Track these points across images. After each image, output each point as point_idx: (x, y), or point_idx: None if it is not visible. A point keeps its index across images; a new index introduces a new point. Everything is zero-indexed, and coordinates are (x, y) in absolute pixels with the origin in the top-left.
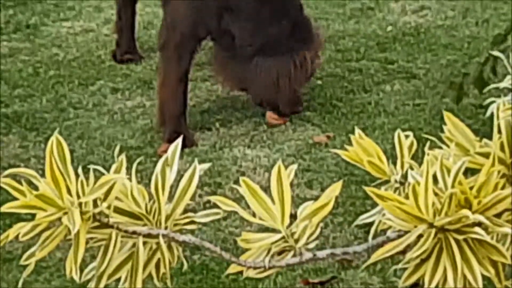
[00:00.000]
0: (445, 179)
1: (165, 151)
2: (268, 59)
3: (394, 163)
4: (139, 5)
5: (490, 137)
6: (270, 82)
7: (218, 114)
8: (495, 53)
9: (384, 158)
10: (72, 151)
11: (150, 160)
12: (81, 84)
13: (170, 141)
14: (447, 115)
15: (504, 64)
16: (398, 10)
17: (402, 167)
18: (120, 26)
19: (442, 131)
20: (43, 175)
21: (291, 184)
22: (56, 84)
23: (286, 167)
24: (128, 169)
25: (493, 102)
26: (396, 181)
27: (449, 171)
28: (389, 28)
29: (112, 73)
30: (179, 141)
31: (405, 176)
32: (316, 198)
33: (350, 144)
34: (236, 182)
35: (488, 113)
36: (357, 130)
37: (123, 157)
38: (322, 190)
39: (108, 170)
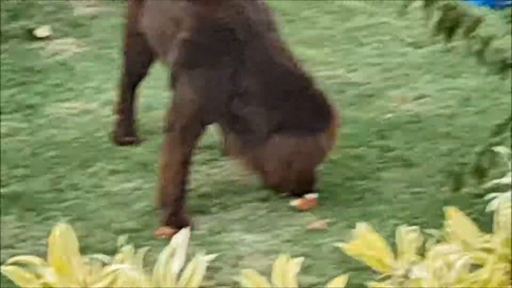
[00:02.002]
0: (449, 276)
1: (163, 234)
2: (285, 138)
3: (394, 252)
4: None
5: (488, 228)
6: (288, 161)
7: (216, 198)
8: (498, 148)
9: (388, 252)
10: None
11: (147, 243)
12: (80, 166)
13: (168, 223)
14: (449, 210)
15: (503, 154)
16: (398, 98)
17: (405, 261)
18: (120, 108)
19: (441, 220)
20: (39, 255)
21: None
22: (55, 165)
23: (283, 252)
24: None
25: (494, 198)
26: (399, 276)
27: (453, 267)
28: (388, 115)
29: (111, 155)
30: (186, 231)
31: (408, 271)
32: (313, 285)
33: (348, 231)
34: (234, 266)
35: (489, 208)
36: (361, 225)
37: (128, 246)
38: (319, 276)
39: (106, 253)
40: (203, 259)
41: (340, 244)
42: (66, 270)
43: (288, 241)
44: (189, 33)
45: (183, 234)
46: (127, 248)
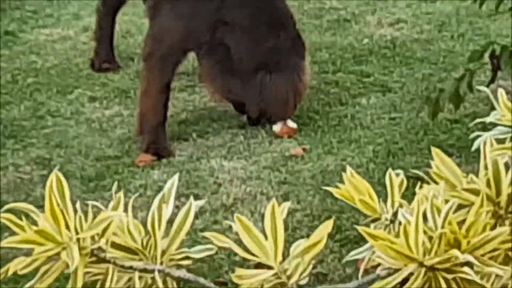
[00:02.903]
0: (435, 219)
1: (143, 161)
2: (273, 76)
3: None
4: None
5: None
6: (278, 99)
7: (195, 125)
8: (481, 88)
9: (375, 196)
10: (49, 160)
11: (127, 170)
12: (59, 92)
13: (148, 151)
14: (435, 151)
15: (480, 80)
16: (374, 23)
17: (392, 205)
18: (99, 35)
19: (418, 145)
20: (22, 183)
21: (267, 197)
22: (34, 92)
23: (262, 179)
24: (107, 178)
25: (478, 136)
26: (386, 219)
27: (439, 211)
28: (365, 40)
29: (90, 81)
30: (175, 178)
31: (395, 214)
32: (292, 211)
33: (326, 156)
34: (214, 193)
35: (474, 147)
36: (349, 169)
37: (121, 194)
38: (298, 203)
39: (86, 179)
40: (193, 204)
41: (330, 189)
42: (60, 218)
43: (267, 167)
44: None
45: (173, 180)
46: (119, 197)
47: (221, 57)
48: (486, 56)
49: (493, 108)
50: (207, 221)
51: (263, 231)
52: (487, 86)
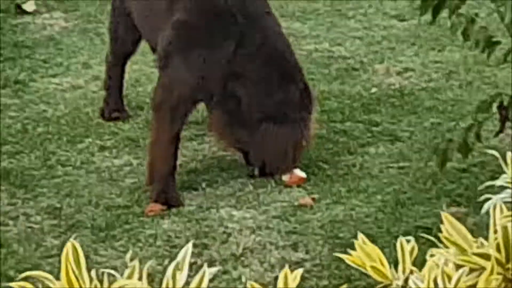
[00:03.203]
0: (446, 286)
1: (152, 211)
2: (277, 127)
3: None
4: None
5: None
6: (278, 150)
7: (205, 174)
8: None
9: (386, 263)
10: (60, 209)
11: (137, 220)
12: (69, 142)
13: (157, 200)
14: (444, 215)
15: (488, 129)
16: (383, 71)
17: (403, 272)
18: (109, 84)
19: (427, 194)
20: (32, 233)
21: (277, 246)
22: (45, 141)
23: (272, 228)
24: (117, 228)
25: (488, 199)
26: (398, 285)
27: (450, 278)
28: (374, 89)
29: (100, 130)
30: (189, 246)
31: (406, 281)
32: (301, 261)
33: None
34: (223, 243)
35: (483, 211)
36: (360, 236)
37: (136, 263)
38: (307, 252)
39: (96, 229)
40: (207, 271)
41: (342, 256)
42: (76, 286)
43: (276, 217)
44: (185, 14)
45: (187, 248)
46: (134, 265)
47: (231, 108)
48: (495, 105)
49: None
50: (217, 271)
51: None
52: (496, 135)
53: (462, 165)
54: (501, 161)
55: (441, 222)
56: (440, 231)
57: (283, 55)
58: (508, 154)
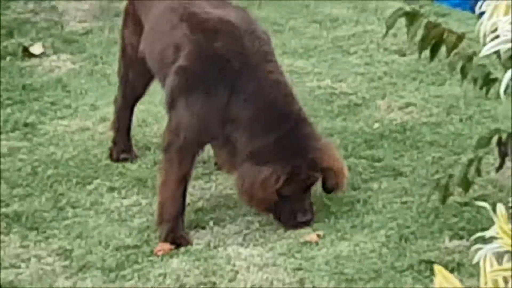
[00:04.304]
0: None
1: (162, 250)
2: (252, 167)
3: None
4: None
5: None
6: (245, 189)
7: (212, 213)
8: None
9: None
10: (71, 251)
11: (147, 259)
12: (78, 183)
13: (166, 240)
14: (437, 268)
15: (489, 162)
16: (385, 107)
17: None
18: (117, 125)
19: (430, 228)
20: (44, 274)
21: (283, 283)
22: (55, 183)
23: (278, 265)
24: (127, 268)
25: (480, 249)
26: None
27: None
28: (376, 125)
29: (108, 171)
30: None
31: None
32: None
33: (340, 242)
34: (231, 281)
35: (475, 261)
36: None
37: None
38: None
39: (106, 270)
40: None
41: None
42: None
43: (282, 254)
44: (187, 60)
45: None
46: None
47: (230, 148)
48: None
49: None
50: None
51: None
52: (496, 171)
53: (464, 198)
54: (491, 214)
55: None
56: (443, 265)
57: (272, 105)
58: (498, 205)
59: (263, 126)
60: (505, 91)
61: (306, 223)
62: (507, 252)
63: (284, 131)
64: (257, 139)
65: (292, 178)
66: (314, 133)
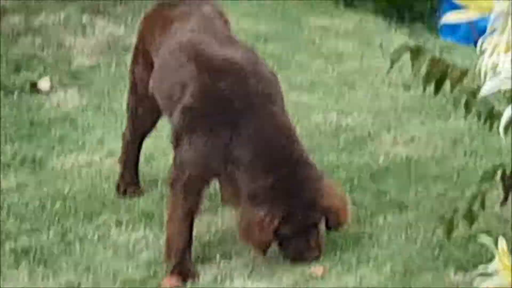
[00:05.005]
0: None
1: (169, 284)
2: (250, 208)
3: None
4: None
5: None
6: (243, 229)
7: (219, 246)
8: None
9: None
10: (78, 285)
11: None
12: (86, 217)
13: (173, 274)
14: None
15: (493, 195)
16: (390, 141)
17: None
18: (125, 160)
19: (435, 262)
20: None
21: None
22: (62, 218)
23: None
24: None
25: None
26: None
27: None
28: (381, 159)
29: (115, 206)
30: None
31: None
32: None
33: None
34: None
35: None
36: None
37: None
38: None
39: None
40: None
41: None
42: None
43: (289, 287)
44: (192, 99)
45: None
46: None
47: (233, 185)
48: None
49: None
50: None
51: None
52: (501, 205)
53: (469, 232)
54: (492, 248)
55: None
56: None
57: (273, 147)
58: (500, 239)
59: (262, 167)
60: (506, 129)
61: (313, 259)
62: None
63: (283, 173)
64: (256, 180)
65: (288, 218)
66: (315, 174)
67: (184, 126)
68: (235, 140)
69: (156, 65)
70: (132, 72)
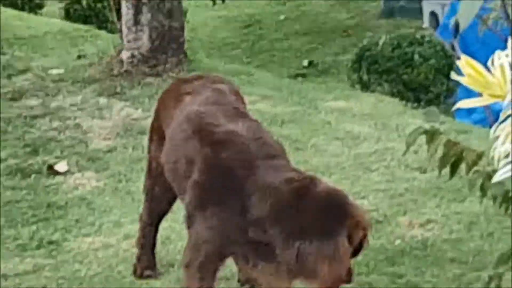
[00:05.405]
0: None
1: None
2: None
3: None
4: None
5: None
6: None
7: None
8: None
9: None
10: None
11: None
12: None
13: None
14: None
15: (508, 280)
16: (406, 224)
17: None
18: (142, 242)
19: None
20: None
21: None
22: None
23: None
24: None
25: None
26: None
27: None
28: (397, 241)
29: None
30: None
31: None
32: None
33: None
34: None
35: None
36: None
37: None
38: None
39: None
40: None
41: None
42: None
43: None
44: (199, 175)
45: None
46: None
47: (263, 251)
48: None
49: None
50: None
51: None
52: None
53: None
54: None
55: None
56: None
57: (286, 187)
58: None
59: (289, 208)
60: None
61: None
62: None
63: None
64: (287, 223)
65: None
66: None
67: (195, 204)
68: (248, 204)
69: (166, 139)
70: (149, 151)
